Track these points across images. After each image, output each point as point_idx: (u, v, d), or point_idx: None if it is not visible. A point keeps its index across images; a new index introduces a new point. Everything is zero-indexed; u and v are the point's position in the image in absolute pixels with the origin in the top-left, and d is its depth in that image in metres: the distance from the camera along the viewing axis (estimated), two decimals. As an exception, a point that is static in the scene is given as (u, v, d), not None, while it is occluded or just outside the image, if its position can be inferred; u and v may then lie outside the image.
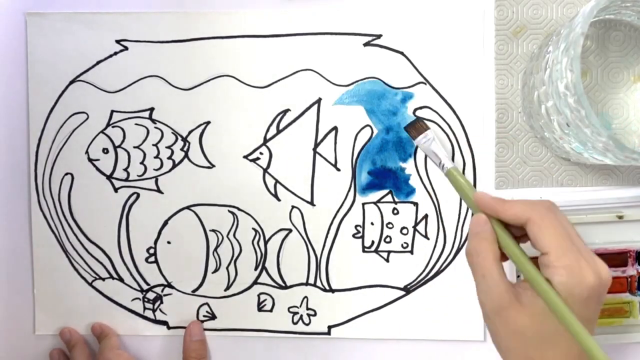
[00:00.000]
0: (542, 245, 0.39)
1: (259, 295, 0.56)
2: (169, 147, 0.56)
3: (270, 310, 0.56)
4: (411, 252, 0.55)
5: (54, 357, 0.57)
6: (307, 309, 0.56)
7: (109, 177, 0.56)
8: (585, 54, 0.52)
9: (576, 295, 0.38)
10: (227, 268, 0.56)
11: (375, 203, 0.55)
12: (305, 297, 0.56)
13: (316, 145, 0.55)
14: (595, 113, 0.42)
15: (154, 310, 0.56)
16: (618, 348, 0.55)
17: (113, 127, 0.56)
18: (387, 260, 0.55)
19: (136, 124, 0.55)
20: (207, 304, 0.56)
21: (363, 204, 0.55)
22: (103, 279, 0.56)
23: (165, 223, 0.56)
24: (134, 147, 0.56)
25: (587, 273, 0.38)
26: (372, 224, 0.55)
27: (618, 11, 0.49)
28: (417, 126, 0.52)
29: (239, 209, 0.56)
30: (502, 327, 0.40)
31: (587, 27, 0.41)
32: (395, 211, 0.55)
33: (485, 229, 0.42)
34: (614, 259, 0.54)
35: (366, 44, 0.55)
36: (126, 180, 0.56)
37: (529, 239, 0.41)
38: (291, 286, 0.56)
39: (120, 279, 0.56)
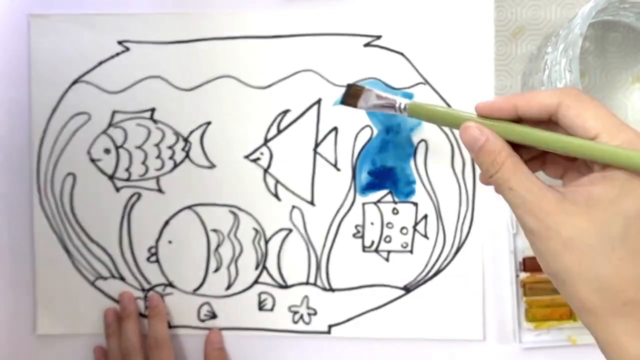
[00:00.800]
0: (588, 127, 0.31)
1: (259, 295, 0.56)
2: (170, 148, 0.56)
3: (271, 310, 0.56)
4: (411, 251, 0.55)
5: (109, 318, 0.56)
6: (308, 308, 0.56)
7: (111, 177, 0.56)
8: (584, 55, 0.52)
9: None
10: (227, 267, 0.56)
11: (375, 203, 0.56)
12: (306, 296, 0.56)
13: (316, 145, 0.56)
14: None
15: (155, 310, 0.57)
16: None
17: (115, 127, 0.56)
18: (387, 259, 0.56)
19: (138, 125, 0.56)
20: (208, 303, 0.56)
21: (363, 204, 0.56)
22: (105, 279, 0.57)
23: (167, 223, 0.56)
24: (136, 148, 0.56)
25: None
26: (372, 223, 0.56)
27: (616, 12, 0.49)
28: (353, 92, 0.45)
29: (239, 208, 0.56)
30: (555, 244, 0.31)
31: (586, 28, 0.41)
32: (395, 211, 0.56)
33: (482, 136, 0.34)
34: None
35: (366, 45, 0.55)
36: (128, 180, 0.56)
37: (563, 128, 0.32)
38: (292, 285, 0.56)
39: (122, 279, 0.57)
